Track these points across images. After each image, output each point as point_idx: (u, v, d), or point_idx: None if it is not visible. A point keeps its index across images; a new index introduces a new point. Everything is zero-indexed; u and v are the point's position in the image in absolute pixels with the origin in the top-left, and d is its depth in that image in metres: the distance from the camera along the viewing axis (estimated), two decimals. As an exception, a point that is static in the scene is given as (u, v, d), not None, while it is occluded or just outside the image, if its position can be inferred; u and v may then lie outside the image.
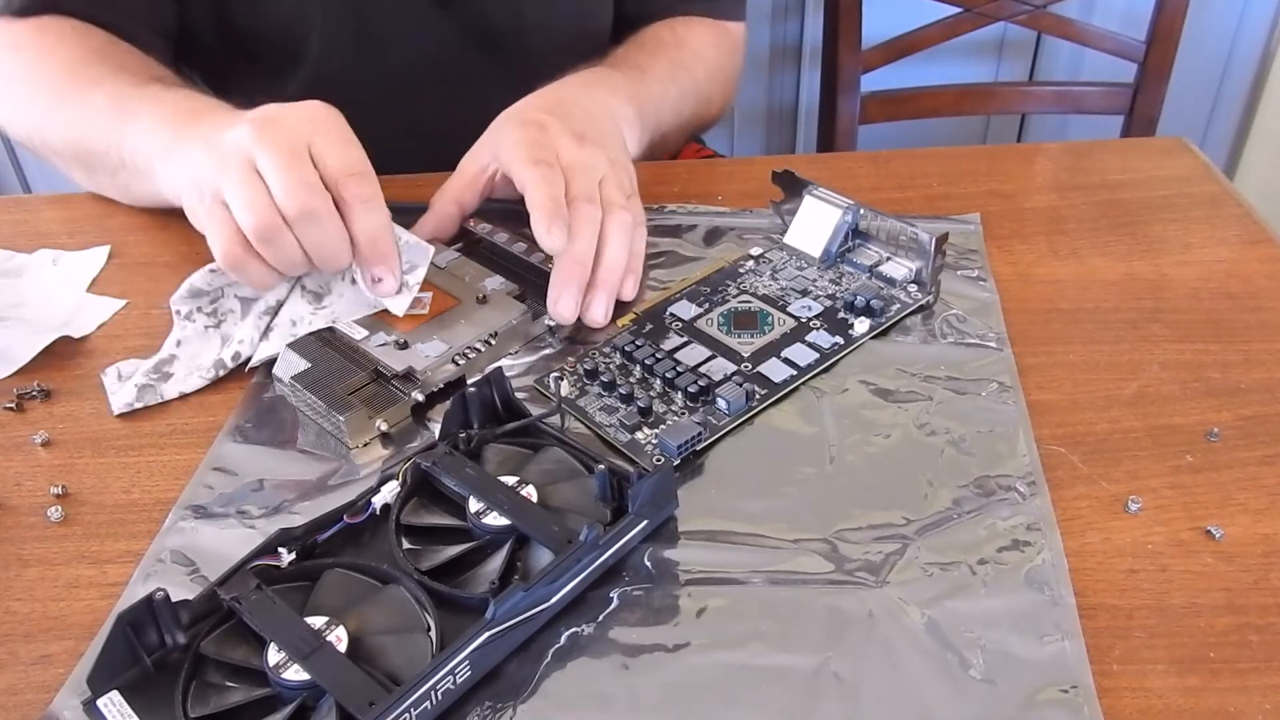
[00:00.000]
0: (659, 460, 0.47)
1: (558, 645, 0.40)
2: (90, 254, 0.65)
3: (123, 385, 0.53)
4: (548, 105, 0.62)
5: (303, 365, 0.51)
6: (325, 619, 0.38)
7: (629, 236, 0.57)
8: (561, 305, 0.55)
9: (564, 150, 0.57)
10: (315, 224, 0.50)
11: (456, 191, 0.62)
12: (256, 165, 0.50)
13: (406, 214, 0.62)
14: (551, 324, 0.56)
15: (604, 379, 0.51)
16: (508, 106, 0.63)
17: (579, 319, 0.56)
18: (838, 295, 0.57)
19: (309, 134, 0.52)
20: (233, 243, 0.51)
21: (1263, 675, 0.38)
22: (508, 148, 0.58)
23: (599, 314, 0.56)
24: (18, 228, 0.69)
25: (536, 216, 0.54)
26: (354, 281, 0.55)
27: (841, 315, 0.56)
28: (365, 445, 0.50)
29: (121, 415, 0.52)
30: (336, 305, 0.55)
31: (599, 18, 0.81)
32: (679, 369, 0.51)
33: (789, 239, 0.62)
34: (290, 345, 0.53)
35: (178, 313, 0.56)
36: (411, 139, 0.69)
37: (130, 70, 0.65)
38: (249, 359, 0.54)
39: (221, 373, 0.54)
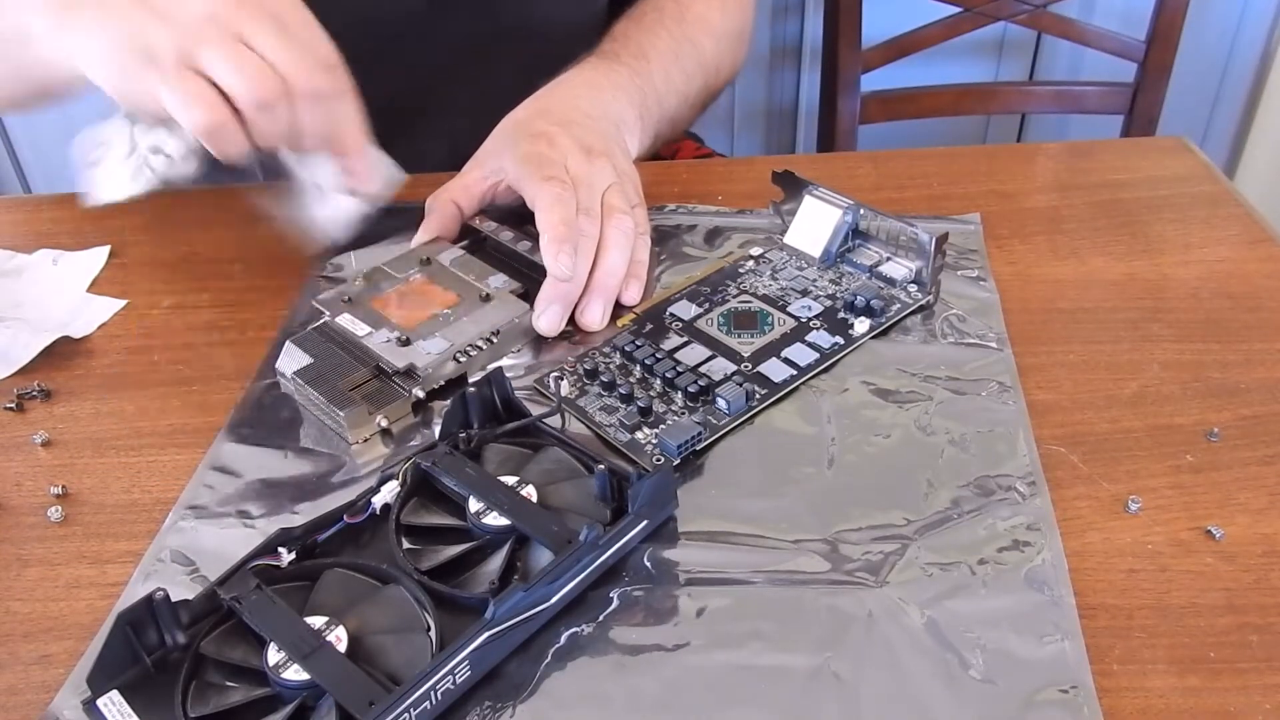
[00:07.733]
0: (659, 460, 0.47)
1: (558, 645, 0.40)
2: (90, 254, 0.64)
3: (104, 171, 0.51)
4: (553, 113, 0.61)
5: (305, 360, 0.51)
6: (325, 619, 0.38)
7: (629, 242, 0.57)
8: (544, 320, 0.55)
9: (572, 164, 0.57)
10: (320, 102, 0.50)
11: (455, 193, 0.62)
12: (243, 37, 0.49)
13: (402, 215, 0.62)
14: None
15: (604, 379, 0.51)
16: (516, 101, 0.63)
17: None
18: (838, 295, 0.57)
19: (283, 13, 0.51)
20: (216, 109, 0.49)
21: (1263, 675, 0.38)
22: (517, 162, 0.58)
23: (594, 318, 0.56)
24: (18, 228, 0.69)
25: (546, 240, 0.54)
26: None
27: (841, 315, 0.56)
28: (365, 441, 0.50)
29: (120, 416, 0.52)
30: None
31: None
32: (679, 369, 0.51)
33: (789, 239, 0.61)
34: (293, 340, 0.53)
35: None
36: (419, 137, 0.68)
37: None
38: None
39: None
